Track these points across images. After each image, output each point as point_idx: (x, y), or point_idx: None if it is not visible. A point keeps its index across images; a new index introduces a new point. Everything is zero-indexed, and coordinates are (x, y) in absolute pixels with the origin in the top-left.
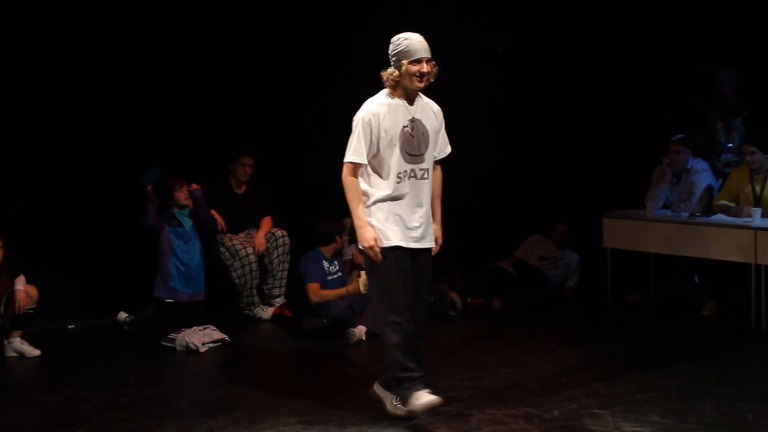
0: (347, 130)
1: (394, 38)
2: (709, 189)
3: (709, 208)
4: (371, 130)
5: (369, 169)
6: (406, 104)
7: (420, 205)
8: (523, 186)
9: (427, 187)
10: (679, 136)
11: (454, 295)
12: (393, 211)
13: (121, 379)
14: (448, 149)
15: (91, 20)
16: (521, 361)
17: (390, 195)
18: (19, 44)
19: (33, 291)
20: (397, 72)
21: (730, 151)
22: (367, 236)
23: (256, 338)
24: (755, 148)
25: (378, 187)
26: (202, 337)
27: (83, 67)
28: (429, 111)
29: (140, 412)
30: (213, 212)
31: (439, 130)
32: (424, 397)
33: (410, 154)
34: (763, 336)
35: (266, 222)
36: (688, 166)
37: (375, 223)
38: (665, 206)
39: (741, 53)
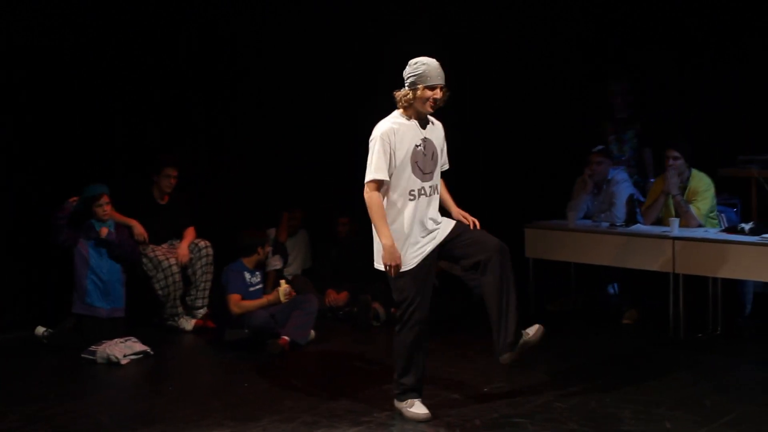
0: (272, 141)
1: (413, 61)
2: (630, 198)
3: (630, 218)
4: (390, 148)
5: (385, 187)
6: (418, 124)
7: (431, 218)
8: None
9: (435, 202)
10: (600, 147)
11: (377, 306)
12: (407, 231)
13: (41, 393)
14: (447, 164)
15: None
16: (444, 371)
17: (405, 213)
18: None
19: None
20: (411, 94)
21: (623, 163)
22: (394, 255)
23: (178, 350)
24: (678, 153)
25: (393, 206)
26: (123, 349)
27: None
28: (437, 130)
29: (61, 426)
30: (136, 223)
31: (443, 147)
32: (420, 408)
33: (423, 172)
34: (681, 344)
35: (189, 233)
36: (609, 177)
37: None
38: (586, 216)
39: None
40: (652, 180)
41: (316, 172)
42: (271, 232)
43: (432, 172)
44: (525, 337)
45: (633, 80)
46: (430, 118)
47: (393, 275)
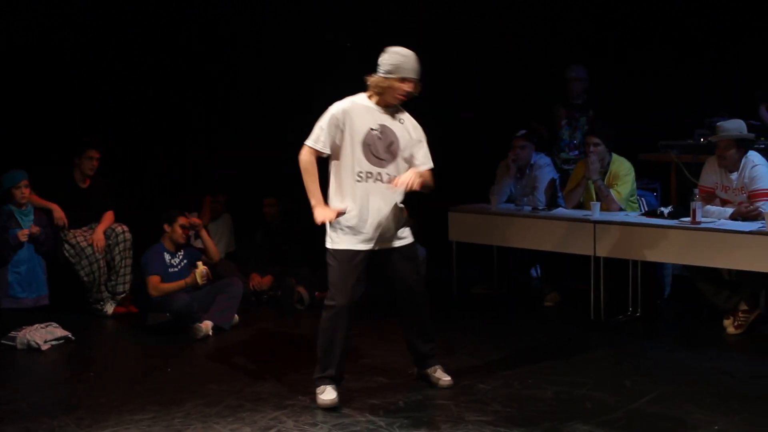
0: (197, 124)
1: (390, 50)
2: (552, 183)
3: (552, 202)
4: (337, 125)
5: (333, 165)
6: (381, 110)
7: (379, 209)
8: None
9: (392, 196)
10: (523, 131)
11: (301, 290)
12: (352, 212)
13: None
14: (430, 164)
15: None
16: (369, 354)
17: (351, 193)
18: None
19: None
20: (384, 83)
21: (575, 148)
22: (323, 213)
23: (100, 335)
24: (598, 140)
25: (339, 186)
26: (44, 334)
27: None
28: (404, 125)
29: None
30: (56, 207)
31: (416, 144)
32: (328, 394)
33: (376, 157)
34: (602, 326)
35: (107, 217)
36: (532, 161)
37: (336, 226)
38: (509, 200)
39: (590, 52)
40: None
41: (241, 155)
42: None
43: (387, 161)
44: (436, 376)
45: (589, 66)
46: (401, 113)
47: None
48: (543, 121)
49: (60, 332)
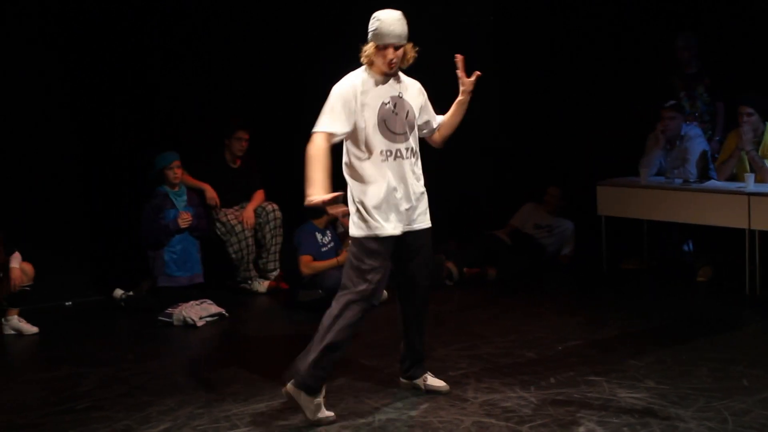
0: None
1: (373, 16)
2: (704, 154)
3: (704, 174)
4: (346, 102)
5: (351, 149)
6: (386, 81)
7: (406, 186)
8: (518, 155)
9: (412, 169)
10: (672, 102)
11: (450, 265)
12: (386, 193)
13: (119, 354)
14: (437, 122)
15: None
16: (517, 330)
17: (381, 175)
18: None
19: (29, 268)
20: (371, 51)
21: (696, 119)
22: (309, 199)
23: (252, 312)
24: (752, 110)
25: (362, 169)
26: (199, 311)
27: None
28: (411, 89)
29: (138, 387)
30: (208, 187)
31: (426, 105)
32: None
33: (393, 132)
34: (757, 301)
35: (258, 196)
36: (682, 133)
37: (363, 213)
38: (659, 173)
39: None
40: (718, 138)
41: None
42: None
43: (406, 134)
44: (430, 382)
45: (700, 34)
46: (403, 76)
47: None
48: (661, 92)
49: (214, 309)
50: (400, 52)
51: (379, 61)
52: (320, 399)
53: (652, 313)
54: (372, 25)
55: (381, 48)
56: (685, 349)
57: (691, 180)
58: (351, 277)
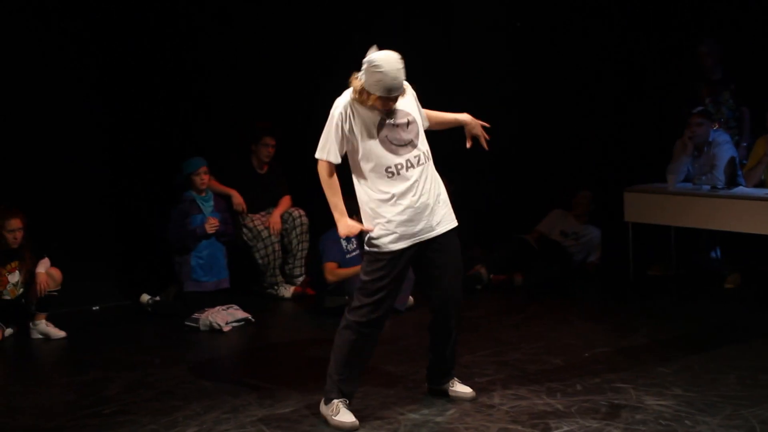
0: None
1: (373, 60)
2: (732, 161)
3: (732, 180)
4: (343, 128)
5: (359, 168)
6: None
7: (421, 194)
8: (545, 160)
9: (426, 174)
10: (700, 108)
11: (480, 268)
12: (393, 211)
13: (146, 359)
14: (427, 123)
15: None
16: (544, 336)
17: (387, 191)
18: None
19: (56, 273)
20: (363, 95)
21: (722, 125)
22: (346, 227)
23: (279, 317)
24: None
25: (374, 186)
26: (225, 316)
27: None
28: (405, 96)
29: (165, 392)
30: (235, 193)
31: (418, 106)
32: (346, 416)
33: (396, 145)
34: None
35: (284, 201)
36: (710, 139)
37: (380, 227)
38: (687, 179)
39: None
40: (744, 144)
41: None
42: None
43: (410, 143)
44: (457, 389)
45: (723, 39)
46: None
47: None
48: (688, 99)
49: (241, 314)
50: (399, 96)
51: (377, 104)
52: (343, 404)
53: (680, 320)
54: (372, 75)
55: (382, 99)
56: (713, 356)
57: (719, 186)
58: (356, 295)
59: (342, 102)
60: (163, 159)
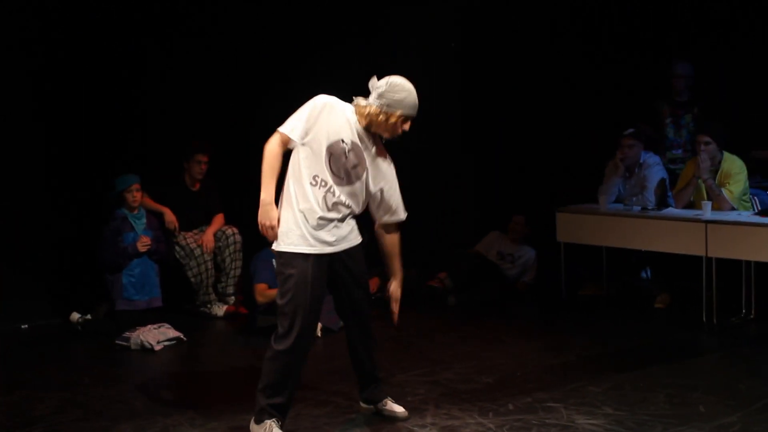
0: None
1: (394, 82)
2: (662, 182)
3: (662, 201)
4: (317, 116)
5: (292, 164)
6: (361, 131)
7: (330, 220)
8: (480, 182)
9: (346, 220)
10: (631, 130)
11: (443, 276)
12: (307, 214)
13: (76, 378)
14: (403, 215)
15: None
16: (477, 355)
17: (305, 193)
18: None
19: None
20: (382, 117)
21: (680, 146)
22: (269, 214)
23: (211, 336)
24: (709, 138)
25: (299, 185)
26: (157, 335)
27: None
28: (382, 164)
29: (95, 412)
30: (167, 210)
31: (388, 190)
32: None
33: (332, 171)
34: (715, 328)
35: (217, 219)
36: (641, 160)
37: (282, 223)
38: (618, 200)
39: (693, 48)
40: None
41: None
42: None
43: (343, 182)
44: (389, 408)
45: (696, 64)
46: (382, 148)
47: (270, 239)
48: (647, 118)
49: (172, 333)
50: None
51: (385, 127)
52: (275, 423)
53: (611, 340)
54: (398, 94)
55: (404, 120)
56: (643, 375)
57: (650, 207)
58: (279, 321)
59: (327, 98)
60: (95, 175)
